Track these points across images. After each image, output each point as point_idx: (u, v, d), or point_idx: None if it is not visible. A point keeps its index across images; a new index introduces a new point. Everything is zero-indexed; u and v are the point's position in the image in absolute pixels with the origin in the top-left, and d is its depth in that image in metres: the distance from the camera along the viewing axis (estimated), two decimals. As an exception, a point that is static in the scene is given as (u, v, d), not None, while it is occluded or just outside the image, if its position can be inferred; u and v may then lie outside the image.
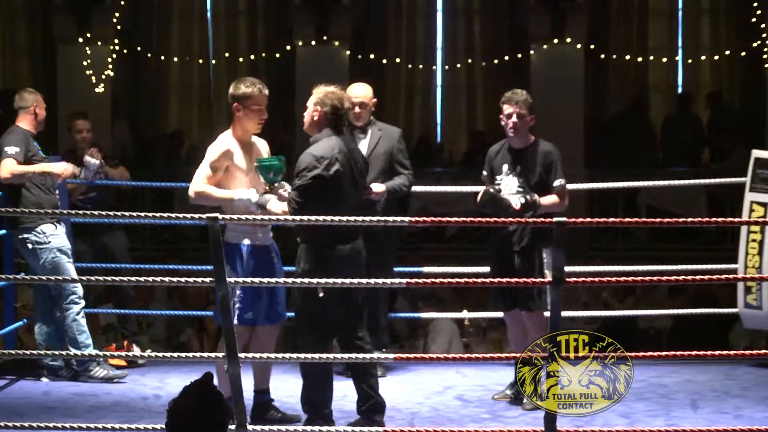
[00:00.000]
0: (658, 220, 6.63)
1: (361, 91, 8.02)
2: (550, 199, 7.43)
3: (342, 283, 6.30)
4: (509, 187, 7.45)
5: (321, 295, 6.57)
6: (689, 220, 6.50)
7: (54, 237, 8.09)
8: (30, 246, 8.09)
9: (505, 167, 7.51)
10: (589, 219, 6.76)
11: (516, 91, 7.52)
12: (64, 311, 8.11)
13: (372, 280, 6.54)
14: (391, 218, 6.59)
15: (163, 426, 6.55)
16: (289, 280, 6.69)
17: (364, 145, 7.92)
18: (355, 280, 6.37)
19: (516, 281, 7.04)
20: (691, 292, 12.32)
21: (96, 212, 6.82)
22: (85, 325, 8.17)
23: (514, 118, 7.45)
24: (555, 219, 6.08)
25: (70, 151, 9.38)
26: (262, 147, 7.12)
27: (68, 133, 9.33)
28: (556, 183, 7.48)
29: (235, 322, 6.59)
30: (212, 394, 3.83)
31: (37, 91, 8.46)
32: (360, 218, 6.42)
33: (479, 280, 7.14)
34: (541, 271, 7.39)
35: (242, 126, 6.93)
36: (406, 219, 6.63)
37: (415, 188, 9.22)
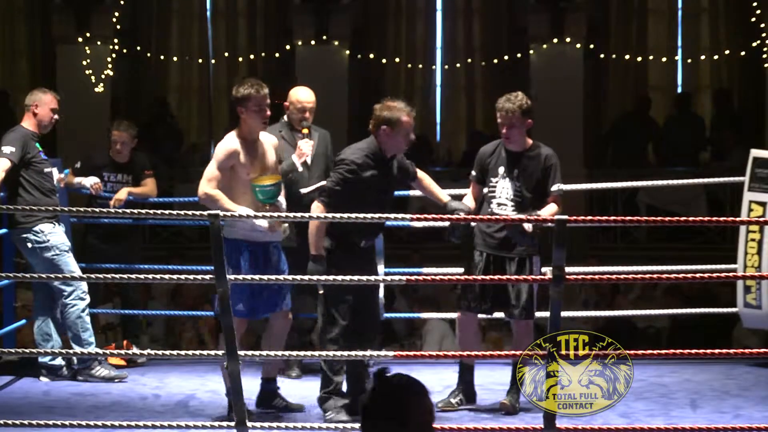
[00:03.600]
0: (659, 219, 6.60)
1: (312, 96, 8.15)
2: (549, 210, 7.18)
3: (342, 281, 6.36)
4: (505, 191, 7.26)
5: (320, 292, 7.01)
6: (690, 219, 6.50)
7: (53, 235, 8.07)
8: (30, 245, 8.08)
9: (501, 170, 7.29)
10: (590, 217, 6.76)
11: (510, 98, 7.26)
12: (68, 308, 8.10)
13: (374, 277, 6.61)
14: (392, 215, 6.62)
15: (162, 424, 6.57)
16: (290, 276, 6.75)
17: (308, 147, 8.06)
18: (355, 277, 6.43)
19: (517, 278, 7.03)
20: (693, 292, 12.31)
21: (98, 210, 6.80)
22: (89, 322, 8.17)
23: (505, 130, 7.26)
24: (556, 217, 6.07)
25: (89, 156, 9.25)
26: (269, 142, 7.24)
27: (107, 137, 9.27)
28: (554, 188, 7.27)
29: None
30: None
31: (51, 91, 8.33)
32: (368, 216, 6.53)
33: (479, 278, 7.10)
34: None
35: (247, 126, 7.08)
36: (407, 216, 6.64)
37: (414, 194, 9.21)
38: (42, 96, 8.23)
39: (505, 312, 7.39)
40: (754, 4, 15.73)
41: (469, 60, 16.44)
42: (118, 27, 15.95)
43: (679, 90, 16.48)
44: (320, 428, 6.46)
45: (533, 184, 7.26)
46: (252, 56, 16.55)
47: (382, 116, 7.08)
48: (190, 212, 6.49)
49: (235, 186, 6.97)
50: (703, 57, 16.40)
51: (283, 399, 7.28)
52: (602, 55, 16.20)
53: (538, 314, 7.38)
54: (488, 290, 7.32)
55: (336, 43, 15.99)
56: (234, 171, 7.00)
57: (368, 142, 7.11)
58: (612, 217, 6.86)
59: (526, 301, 7.25)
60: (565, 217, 6.08)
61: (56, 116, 8.26)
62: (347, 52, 16.03)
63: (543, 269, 7.27)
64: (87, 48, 15.65)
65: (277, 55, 16.41)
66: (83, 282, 8.14)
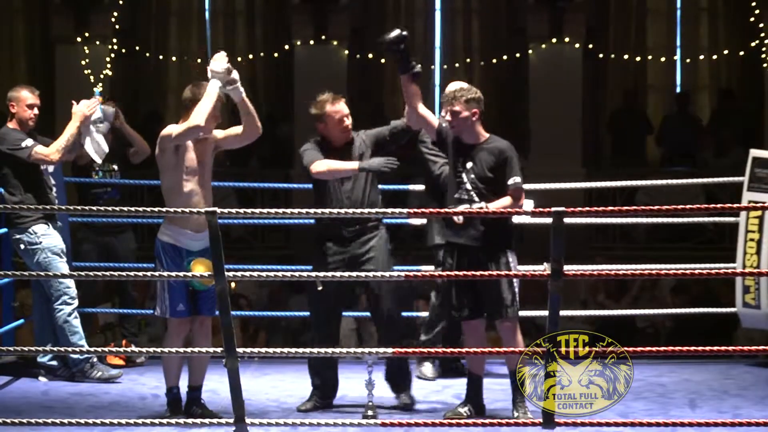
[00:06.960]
0: (656, 208, 6.48)
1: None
2: (501, 203, 6.82)
3: (341, 277, 6.37)
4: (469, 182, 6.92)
5: (319, 288, 7.13)
6: (687, 207, 6.50)
7: (45, 237, 8.04)
8: (23, 246, 8.07)
9: (460, 159, 6.99)
10: (587, 209, 6.69)
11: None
12: (54, 312, 8.07)
13: (371, 274, 6.59)
14: (389, 210, 6.60)
15: (161, 421, 6.59)
16: (288, 273, 6.75)
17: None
18: (354, 274, 6.43)
19: (515, 274, 6.97)
20: (693, 292, 12.30)
21: (95, 208, 6.78)
22: (78, 326, 8.11)
23: (448, 117, 7.06)
24: (553, 209, 5.98)
25: None
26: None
27: None
28: (511, 181, 6.86)
29: (168, 315, 6.99)
30: None
31: (28, 87, 8.23)
32: (359, 210, 6.60)
33: (478, 273, 6.95)
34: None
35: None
36: (404, 211, 6.61)
37: (413, 188, 9.20)
38: (16, 94, 8.10)
39: (490, 315, 6.97)
40: (753, 4, 15.72)
41: (468, 60, 16.44)
42: (117, 27, 15.94)
43: (678, 90, 16.48)
44: (319, 424, 6.46)
45: (488, 177, 6.88)
46: (251, 56, 16.54)
47: (313, 114, 7.45)
48: (187, 210, 6.48)
49: (180, 172, 6.96)
50: (702, 57, 16.40)
51: (199, 408, 7.10)
52: (601, 55, 16.19)
53: (537, 313, 7.35)
54: (467, 292, 6.94)
55: (335, 43, 15.97)
56: (182, 154, 6.95)
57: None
58: (609, 208, 6.75)
59: (507, 299, 6.87)
60: (563, 209, 5.99)
61: (35, 111, 8.13)
62: (346, 52, 16.02)
63: (544, 265, 7.20)
64: (86, 48, 15.64)
65: (275, 54, 16.41)
66: (72, 286, 8.10)
